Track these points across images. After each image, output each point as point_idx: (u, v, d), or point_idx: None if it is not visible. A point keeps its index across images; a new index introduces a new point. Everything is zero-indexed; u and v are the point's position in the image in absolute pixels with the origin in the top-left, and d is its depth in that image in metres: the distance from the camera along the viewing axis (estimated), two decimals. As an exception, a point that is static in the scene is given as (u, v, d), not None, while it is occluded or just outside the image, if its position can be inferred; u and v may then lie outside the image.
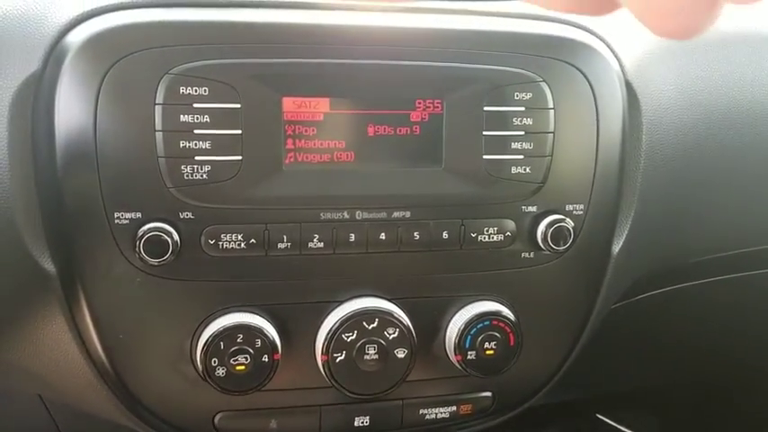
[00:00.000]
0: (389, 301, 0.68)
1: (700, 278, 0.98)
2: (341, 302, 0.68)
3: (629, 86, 0.74)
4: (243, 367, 0.64)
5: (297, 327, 0.67)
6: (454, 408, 0.74)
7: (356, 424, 0.72)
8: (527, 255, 0.71)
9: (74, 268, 0.64)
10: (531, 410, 1.71)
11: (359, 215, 0.66)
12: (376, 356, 0.67)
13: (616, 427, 1.89)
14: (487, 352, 0.69)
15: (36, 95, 0.62)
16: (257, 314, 0.66)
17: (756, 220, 0.89)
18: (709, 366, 1.42)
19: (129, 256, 0.63)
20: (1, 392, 0.79)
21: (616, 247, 0.76)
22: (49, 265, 0.64)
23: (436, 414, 0.74)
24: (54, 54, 0.62)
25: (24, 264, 0.63)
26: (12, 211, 0.62)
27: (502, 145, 0.67)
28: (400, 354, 0.67)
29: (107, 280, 0.64)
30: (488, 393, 0.75)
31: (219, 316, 0.65)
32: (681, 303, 1.02)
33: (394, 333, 0.67)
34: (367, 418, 0.72)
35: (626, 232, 0.76)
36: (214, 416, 0.69)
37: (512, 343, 0.70)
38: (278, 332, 0.66)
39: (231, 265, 0.65)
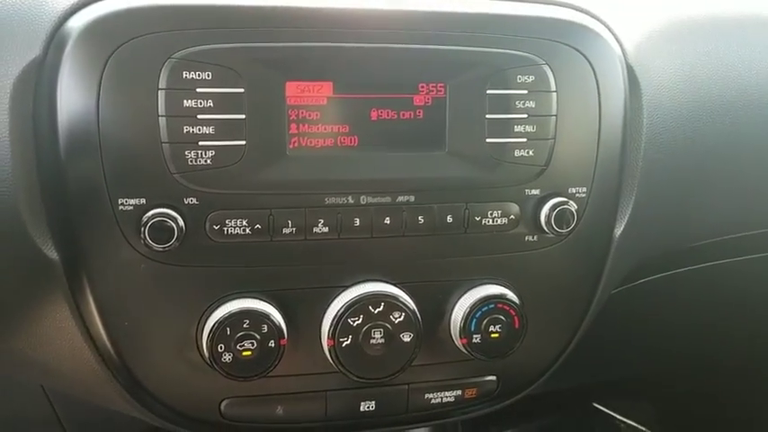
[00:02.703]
0: (394, 285, 0.68)
1: (699, 262, 0.99)
2: (346, 287, 0.68)
3: (629, 70, 0.75)
4: (249, 353, 0.64)
5: (302, 312, 0.67)
6: (459, 392, 0.74)
7: (362, 409, 0.72)
8: (530, 238, 0.71)
9: (77, 255, 0.63)
10: (529, 400, 1.73)
11: (363, 200, 0.66)
12: (382, 340, 0.67)
13: (612, 416, 1.91)
14: (492, 335, 0.69)
15: (37, 82, 0.62)
16: (263, 300, 0.66)
17: (756, 204, 0.89)
18: (706, 353, 1.43)
19: (134, 243, 0.62)
20: (2, 383, 0.79)
21: (618, 231, 0.76)
22: (53, 253, 0.63)
23: (441, 398, 0.74)
24: (55, 40, 0.62)
25: (27, 251, 0.63)
26: (14, 198, 0.62)
27: (505, 128, 0.67)
28: (406, 338, 0.68)
29: (111, 267, 0.63)
30: (493, 377, 0.75)
31: (225, 302, 0.65)
32: (680, 288, 1.03)
33: (400, 317, 0.67)
34: (373, 403, 0.72)
35: (627, 215, 0.77)
36: (220, 402, 0.69)
37: (516, 326, 0.70)
38: (284, 318, 0.66)
39: (236, 250, 0.65)
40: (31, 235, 0.62)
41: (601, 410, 1.90)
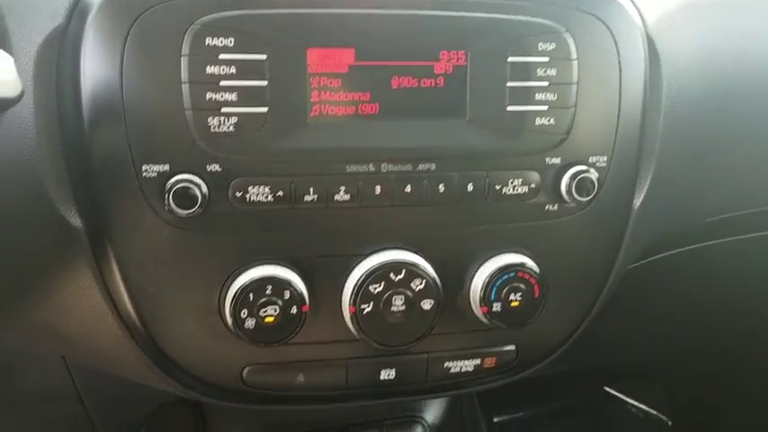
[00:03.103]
0: (415, 253, 0.69)
1: (716, 238, 0.99)
2: (367, 255, 0.68)
3: (650, 41, 0.74)
4: (272, 319, 0.65)
5: (324, 279, 0.68)
6: (478, 361, 0.75)
7: (382, 377, 0.73)
8: (551, 207, 0.71)
9: (101, 223, 0.64)
10: (542, 382, 1.73)
11: (384, 168, 0.66)
12: (403, 308, 0.67)
13: (623, 400, 1.91)
14: (512, 304, 0.70)
15: (60, 50, 0.62)
16: (285, 267, 0.66)
17: (774, 178, 0.89)
18: (719, 334, 1.43)
19: (158, 209, 0.63)
20: (23, 355, 0.80)
21: (637, 201, 0.76)
22: (76, 220, 0.64)
23: (461, 367, 0.74)
24: (78, 8, 0.62)
25: (50, 219, 0.63)
26: (38, 166, 0.62)
27: (526, 96, 0.67)
28: (426, 305, 0.68)
29: (135, 234, 0.64)
30: (512, 347, 0.76)
31: (248, 269, 0.65)
32: (695, 265, 1.03)
33: (420, 284, 0.67)
34: (393, 371, 0.73)
35: (647, 186, 0.77)
36: (242, 370, 0.70)
37: (536, 295, 0.70)
38: (305, 285, 0.66)
39: (258, 218, 0.65)
40: (55, 203, 0.63)
41: (612, 394, 1.91)
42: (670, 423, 1.85)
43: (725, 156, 0.85)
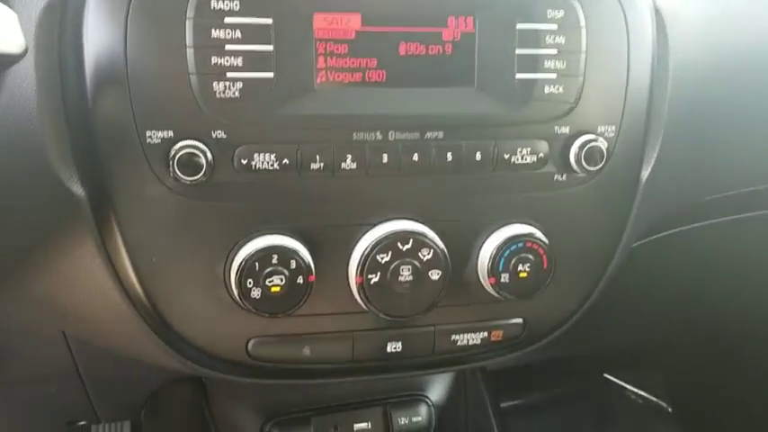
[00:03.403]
0: (422, 224, 0.68)
1: (722, 215, 0.98)
2: (373, 225, 0.67)
3: (657, 12, 0.74)
4: (278, 288, 0.64)
5: (330, 250, 0.67)
6: (485, 334, 0.74)
7: (389, 350, 0.72)
8: (559, 177, 0.70)
9: (104, 191, 0.63)
10: (543, 369, 1.72)
11: (391, 135, 0.65)
12: (410, 278, 0.66)
13: (623, 387, 1.91)
14: (521, 274, 0.69)
15: (63, 15, 0.61)
16: (291, 237, 0.65)
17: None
18: (720, 316, 1.43)
19: (162, 177, 0.62)
20: (22, 330, 0.78)
21: (645, 173, 0.76)
22: (78, 189, 0.63)
23: (468, 340, 0.73)
24: None
25: (53, 188, 0.62)
26: (40, 134, 0.61)
27: (534, 63, 0.67)
28: (434, 275, 0.67)
29: (138, 202, 0.63)
30: (519, 320, 0.75)
31: (253, 238, 0.64)
32: (700, 244, 1.03)
33: (428, 254, 0.66)
34: (399, 344, 0.72)
35: (654, 158, 0.76)
36: (247, 342, 0.69)
37: (545, 265, 0.69)
38: (312, 255, 0.65)
39: (264, 186, 0.64)
40: (57, 171, 0.62)
41: (612, 381, 1.91)
42: (670, 409, 1.85)
43: (732, 129, 0.85)
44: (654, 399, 1.87)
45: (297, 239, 0.65)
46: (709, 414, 1.77)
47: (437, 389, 0.94)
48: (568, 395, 1.86)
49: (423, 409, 0.92)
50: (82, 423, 1.10)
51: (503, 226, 0.70)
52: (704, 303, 1.31)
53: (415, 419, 0.91)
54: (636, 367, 1.88)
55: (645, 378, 1.88)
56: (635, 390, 1.89)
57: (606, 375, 1.91)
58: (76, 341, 0.79)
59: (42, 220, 0.65)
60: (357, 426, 0.90)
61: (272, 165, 0.63)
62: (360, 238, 0.67)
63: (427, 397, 0.93)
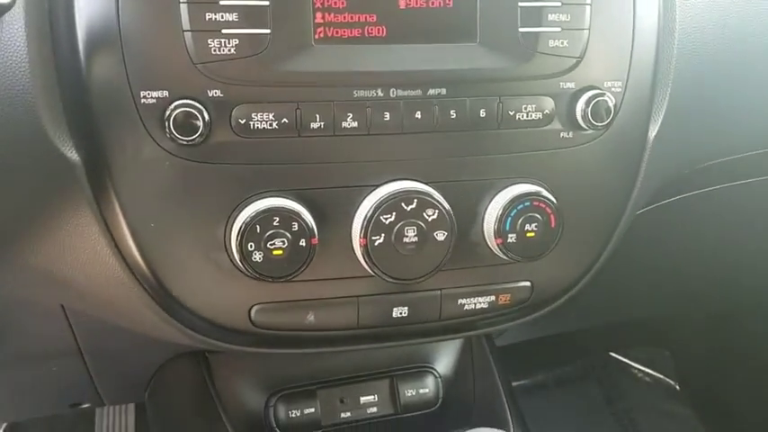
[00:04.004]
0: (426, 184, 0.66)
1: (729, 180, 0.97)
2: (376, 186, 0.65)
3: None
4: (280, 252, 0.62)
5: (333, 212, 0.65)
6: (493, 298, 0.72)
7: (394, 315, 0.70)
8: (566, 134, 0.69)
9: (99, 156, 0.61)
10: (549, 348, 1.70)
11: (393, 93, 0.64)
12: (415, 239, 0.65)
13: (630, 365, 1.90)
14: (528, 234, 0.67)
15: None
16: (293, 199, 0.64)
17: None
18: (725, 288, 1.41)
19: (158, 138, 0.60)
20: (20, 303, 0.77)
21: (653, 132, 0.74)
22: (73, 155, 0.61)
23: (475, 304, 0.72)
24: None
25: (47, 153, 0.61)
26: (32, 97, 0.59)
27: (538, 16, 0.65)
28: (440, 236, 0.65)
29: (135, 165, 0.61)
30: (527, 283, 0.73)
31: (253, 201, 0.63)
32: (703, 211, 1.01)
33: (433, 215, 0.65)
34: (405, 309, 0.70)
35: (662, 116, 0.75)
36: (250, 309, 0.67)
37: (553, 225, 0.68)
38: (314, 217, 0.64)
39: (263, 147, 0.62)
40: (51, 136, 0.60)
41: (619, 360, 1.90)
42: (677, 387, 1.84)
43: (741, 90, 0.83)
44: (661, 376, 1.86)
45: (299, 202, 0.64)
46: (716, 391, 1.76)
47: (444, 361, 0.93)
48: (575, 374, 1.86)
49: (430, 381, 0.90)
50: (86, 405, 1.09)
51: (509, 185, 0.68)
52: (710, 276, 1.29)
53: (422, 391, 0.89)
54: (643, 345, 1.87)
55: (652, 356, 1.87)
56: (642, 368, 1.88)
57: (612, 354, 1.90)
58: (76, 314, 0.78)
59: (37, 187, 0.63)
60: (364, 398, 0.88)
61: (271, 124, 0.62)
62: (363, 200, 0.65)
63: (434, 369, 0.91)
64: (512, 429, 0.87)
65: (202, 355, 0.88)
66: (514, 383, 1.59)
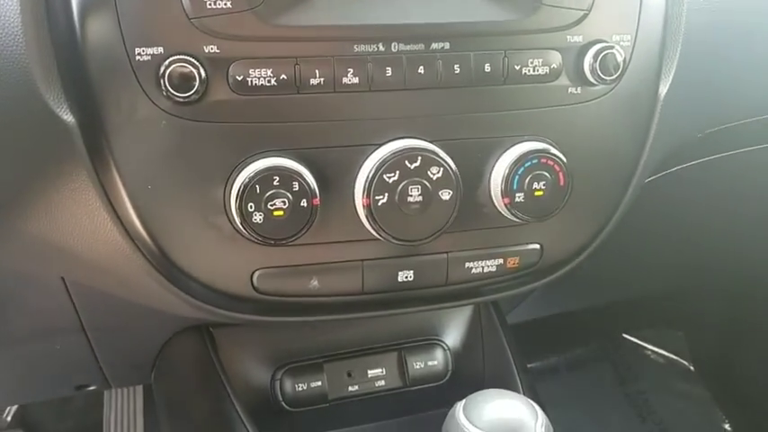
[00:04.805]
0: (430, 143, 0.64)
1: (739, 145, 0.94)
2: (379, 145, 0.64)
3: None
4: (281, 212, 0.61)
5: (334, 172, 0.64)
6: (501, 261, 0.70)
7: (400, 279, 0.69)
8: (574, 90, 0.67)
9: (94, 116, 0.60)
10: (561, 330, 1.68)
11: (395, 47, 0.62)
12: (420, 198, 0.63)
13: (643, 346, 1.87)
14: (536, 193, 0.65)
15: None
16: (293, 159, 0.62)
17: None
18: (741, 266, 1.39)
19: (153, 97, 0.59)
20: (20, 278, 0.75)
21: (663, 90, 0.72)
22: (68, 116, 0.60)
23: (482, 268, 0.70)
24: None
25: (42, 117, 0.59)
26: (24, 58, 0.58)
27: None
28: (445, 195, 0.64)
29: (131, 126, 0.60)
30: (536, 246, 0.72)
31: (253, 161, 0.61)
32: (716, 178, 0.99)
33: (438, 173, 0.63)
34: (411, 273, 0.69)
35: (672, 74, 0.73)
36: (252, 274, 0.66)
37: (562, 183, 0.66)
38: (315, 178, 0.62)
39: (262, 105, 0.61)
40: (45, 97, 0.59)
41: (632, 341, 1.87)
42: (692, 368, 1.82)
43: (753, 49, 0.81)
44: (675, 357, 1.84)
45: (299, 162, 0.62)
46: (731, 372, 1.74)
47: (453, 334, 0.91)
48: (588, 356, 1.83)
49: (438, 354, 0.88)
50: (92, 388, 1.08)
51: (516, 143, 0.66)
52: (724, 249, 1.27)
53: (430, 363, 0.88)
54: (656, 326, 1.85)
55: (665, 337, 1.85)
56: (655, 349, 1.86)
57: (626, 336, 1.88)
58: (76, 287, 0.76)
59: (33, 151, 0.62)
60: (371, 372, 0.87)
61: (269, 81, 0.60)
62: (365, 159, 0.63)
63: (443, 341, 0.90)
64: None
65: (207, 330, 0.86)
66: (528, 365, 1.58)
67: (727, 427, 1.70)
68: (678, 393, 1.77)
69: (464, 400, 0.61)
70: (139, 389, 1.36)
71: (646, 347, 1.87)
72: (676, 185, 0.90)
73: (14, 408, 1.38)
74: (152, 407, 1.38)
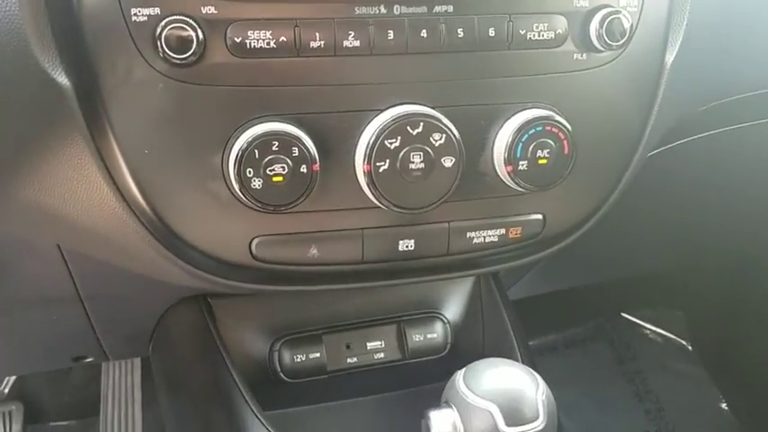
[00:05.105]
0: (432, 109, 0.63)
1: (744, 119, 0.93)
2: (380, 111, 0.62)
3: None
4: (280, 178, 0.60)
5: (335, 138, 0.62)
6: (503, 231, 0.70)
7: (401, 248, 0.68)
8: (579, 56, 0.65)
9: (90, 80, 0.58)
10: (558, 308, 1.68)
11: (396, 9, 0.60)
12: (422, 165, 0.62)
13: (641, 325, 1.87)
14: (540, 161, 0.64)
15: None
16: (293, 125, 0.61)
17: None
18: (742, 245, 1.38)
19: (150, 59, 0.57)
20: (15, 245, 0.74)
21: (669, 58, 0.71)
22: (63, 79, 0.58)
23: (484, 238, 0.69)
24: None
25: (36, 79, 0.58)
26: (19, 19, 0.56)
27: None
28: (447, 162, 0.62)
29: (127, 89, 0.58)
30: (539, 216, 0.71)
31: (252, 126, 0.60)
32: (717, 154, 0.98)
33: (440, 140, 0.62)
34: (412, 242, 0.68)
35: (679, 43, 0.71)
36: (251, 242, 0.65)
37: (566, 151, 0.65)
38: (316, 144, 0.61)
39: (261, 68, 0.59)
40: (40, 61, 0.57)
41: (630, 320, 1.87)
42: (690, 347, 1.82)
43: (758, 23, 0.80)
44: (673, 336, 1.84)
45: (299, 127, 0.61)
46: (729, 351, 1.74)
47: (453, 308, 0.90)
48: (586, 334, 1.84)
49: (438, 327, 0.88)
50: (90, 359, 1.08)
51: (520, 110, 0.65)
52: (722, 225, 1.26)
53: (430, 336, 0.87)
54: (655, 305, 1.85)
55: (664, 316, 1.85)
56: (653, 328, 1.86)
57: (624, 315, 1.88)
58: (73, 255, 0.75)
59: (27, 115, 0.60)
60: (370, 344, 0.86)
61: (269, 44, 0.59)
62: (366, 125, 0.62)
63: (443, 315, 0.89)
64: None
65: (205, 301, 0.86)
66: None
67: (724, 406, 1.70)
68: (676, 373, 1.78)
69: (464, 369, 0.61)
70: (137, 363, 1.36)
71: (644, 327, 1.87)
72: (677, 161, 0.89)
73: (12, 380, 1.38)
74: (150, 381, 1.38)
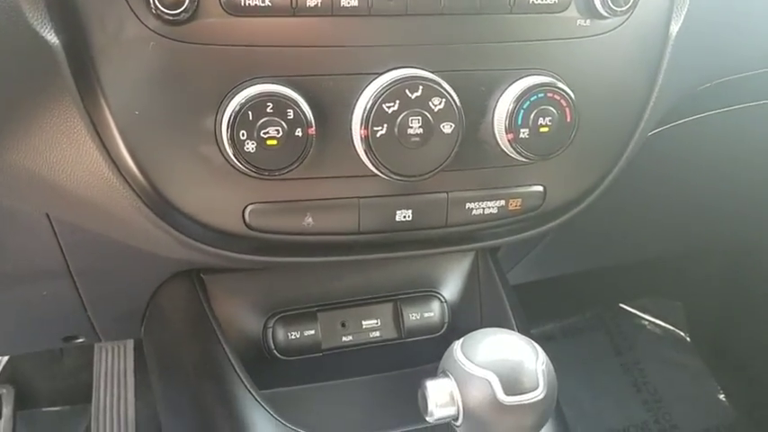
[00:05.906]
0: (432, 73, 0.61)
1: (747, 99, 0.92)
2: (378, 75, 0.61)
3: None
4: (274, 142, 0.58)
5: (331, 102, 0.61)
6: (503, 202, 0.68)
7: (398, 218, 0.66)
8: (583, 23, 0.64)
9: (80, 38, 0.57)
10: (556, 297, 1.66)
11: None
12: (420, 131, 0.60)
13: (639, 315, 1.86)
14: (542, 129, 0.63)
15: None
16: (288, 87, 0.59)
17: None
18: (739, 224, 1.36)
19: (142, 16, 0.56)
20: (4, 217, 0.73)
21: (674, 28, 0.69)
22: (53, 38, 0.56)
23: (483, 209, 0.68)
24: None
25: (24, 37, 0.56)
26: None
27: None
28: (446, 128, 0.61)
29: (118, 47, 0.57)
30: (539, 188, 0.69)
31: (246, 87, 0.58)
32: (718, 136, 0.96)
33: (439, 104, 0.60)
34: (410, 212, 0.66)
35: (684, 12, 0.70)
36: (244, 210, 0.63)
37: (569, 118, 0.63)
38: (311, 108, 0.59)
39: (256, 27, 0.58)
40: (28, 16, 0.55)
41: (628, 311, 1.86)
42: (688, 339, 1.81)
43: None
44: (671, 327, 1.83)
45: (294, 89, 0.59)
46: (728, 343, 1.73)
47: (450, 287, 0.89)
48: (584, 324, 1.82)
49: (435, 306, 0.86)
50: (81, 340, 1.06)
51: (521, 77, 0.63)
52: (723, 209, 1.24)
53: (426, 315, 0.85)
54: (654, 295, 1.84)
55: (662, 307, 1.84)
56: (652, 319, 1.85)
57: (622, 305, 1.87)
58: (62, 226, 0.73)
59: (14, 74, 0.58)
60: (366, 322, 0.84)
61: (264, 1, 0.57)
62: (364, 88, 0.61)
63: (440, 293, 0.87)
64: None
65: (198, 277, 0.84)
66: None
67: (721, 397, 1.69)
68: (673, 363, 1.77)
69: (462, 338, 0.59)
70: (130, 348, 1.34)
71: (642, 317, 1.86)
72: (677, 143, 0.88)
73: (3, 364, 1.36)
74: (143, 366, 1.36)
